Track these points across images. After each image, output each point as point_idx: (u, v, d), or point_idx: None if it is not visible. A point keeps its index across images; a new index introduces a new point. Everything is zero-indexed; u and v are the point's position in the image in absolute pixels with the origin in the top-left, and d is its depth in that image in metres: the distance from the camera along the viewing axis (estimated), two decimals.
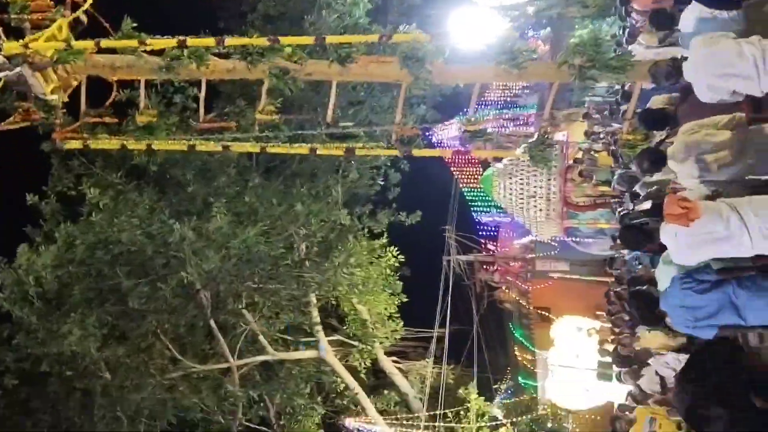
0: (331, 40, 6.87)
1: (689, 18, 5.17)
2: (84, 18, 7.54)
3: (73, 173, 13.74)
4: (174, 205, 14.07)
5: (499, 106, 23.93)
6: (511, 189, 15.70)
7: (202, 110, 7.98)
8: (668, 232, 4.21)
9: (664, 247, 4.41)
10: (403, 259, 18.40)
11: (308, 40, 6.98)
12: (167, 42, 7.07)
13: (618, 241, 10.58)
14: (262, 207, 13.73)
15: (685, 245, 4.12)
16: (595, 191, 14.75)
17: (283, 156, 15.00)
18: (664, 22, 6.56)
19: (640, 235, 5.02)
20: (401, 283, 19.03)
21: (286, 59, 6.95)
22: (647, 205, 6.29)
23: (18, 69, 7.28)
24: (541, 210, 15.42)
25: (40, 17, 7.20)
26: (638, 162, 5.18)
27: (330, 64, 6.86)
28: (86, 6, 7.39)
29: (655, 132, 6.08)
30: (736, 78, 4.19)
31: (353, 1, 15.74)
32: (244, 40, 6.87)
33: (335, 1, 15.71)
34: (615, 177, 8.66)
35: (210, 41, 6.97)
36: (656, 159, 5.04)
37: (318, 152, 7.35)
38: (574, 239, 16.28)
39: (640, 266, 8.35)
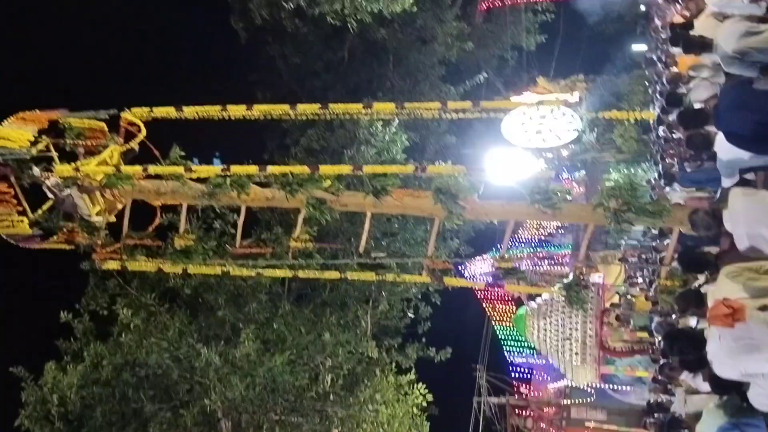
0: (368, 170, 7.06)
1: (724, 146, 5.19)
2: (136, 146, 7.96)
3: (108, 293, 13.88)
4: (204, 329, 14.02)
5: (533, 244, 23.96)
6: (545, 330, 15.39)
7: (239, 236, 8.15)
8: (713, 336, 4.01)
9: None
10: (431, 398, 17.78)
11: (346, 169, 7.19)
12: (212, 169, 7.36)
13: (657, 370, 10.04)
14: (291, 335, 13.60)
15: (727, 351, 3.90)
16: (632, 337, 14.36)
17: (314, 284, 15.04)
18: (700, 147, 6.57)
19: (685, 341, 4.74)
20: (428, 423, 18.26)
21: (324, 190, 7.14)
22: (692, 321, 6.06)
23: (68, 191, 7.63)
24: (576, 354, 14.99)
25: (94, 143, 7.61)
26: (678, 303, 5.03)
27: (365, 195, 7.00)
28: (140, 138, 7.81)
29: (694, 275, 5.96)
30: None
31: (391, 138, 16.36)
32: (285, 169, 7.11)
33: (374, 138, 16.34)
34: (653, 324, 8.44)
35: (253, 169, 7.23)
36: (696, 301, 4.88)
37: (349, 277, 7.34)
38: (611, 386, 15.65)
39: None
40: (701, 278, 5.64)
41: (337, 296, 15.98)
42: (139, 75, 22.71)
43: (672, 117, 8.83)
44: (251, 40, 21.32)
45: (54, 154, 7.71)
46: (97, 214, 7.74)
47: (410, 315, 17.03)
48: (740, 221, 4.33)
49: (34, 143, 7.45)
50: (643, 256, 12.04)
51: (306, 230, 7.73)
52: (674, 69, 8.50)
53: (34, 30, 21.94)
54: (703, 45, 5.75)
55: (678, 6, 7.97)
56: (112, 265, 8.04)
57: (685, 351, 4.53)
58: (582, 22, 28.64)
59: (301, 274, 7.80)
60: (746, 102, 4.86)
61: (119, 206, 7.97)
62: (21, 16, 21.93)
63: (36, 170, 7.67)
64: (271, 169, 7.23)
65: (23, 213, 7.73)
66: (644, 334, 13.49)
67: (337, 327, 14.33)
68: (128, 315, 13.03)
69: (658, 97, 9.69)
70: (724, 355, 3.95)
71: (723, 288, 4.22)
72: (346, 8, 16.57)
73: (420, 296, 17.11)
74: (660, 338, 8.02)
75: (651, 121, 15.13)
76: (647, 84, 17.43)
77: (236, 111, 7.65)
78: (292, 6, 17.73)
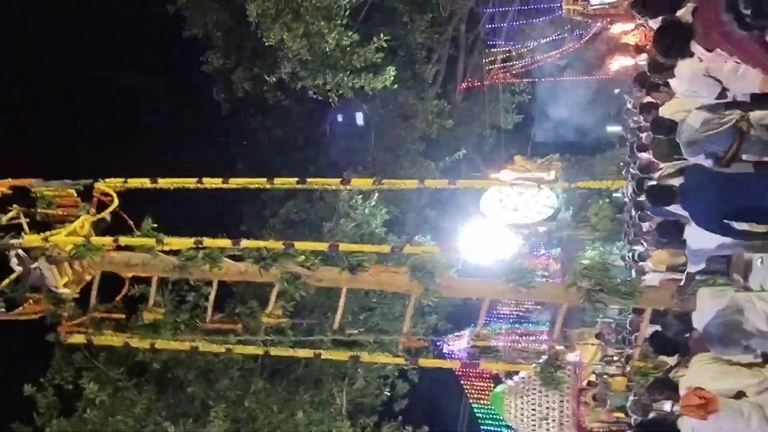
0: (344, 248, 7.01)
1: (694, 235, 5.24)
2: (108, 217, 7.85)
3: (73, 366, 13.46)
4: (172, 406, 13.59)
5: (511, 320, 23.84)
6: (522, 409, 15.13)
7: (210, 310, 7.97)
8: (685, 427, 3.92)
9: None
10: None
11: (322, 246, 7.14)
12: (184, 242, 7.25)
13: None
14: (263, 414, 13.22)
15: None
16: (609, 417, 14.12)
17: (288, 360, 14.72)
18: (671, 234, 6.66)
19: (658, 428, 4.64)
20: None
21: (299, 264, 7.06)
22: (667, 405, 5.95)
23: (36, 262, 7.46)
24: None
25: (64, 212, 7.50)
26: (650, 391, 4.97)
27: (341, 271, 6.93)
28: (112, 208, 7.72)
29: (665, 358, 5.91)
30: (748, 335, 4.13)
31: (371, 212, 16.41)
32: (260, 243, 7.04)
33: (353, 211, 16.39)
34: (629, 404, 8.31)
35: (226, 242, 7.14)
36: (669, 389, 4.82)
37: (322, 357, 7.18)
38: None
39: None
40: (672, 360, 5.60)
41: (311, 372, 15.63)
42: (116, 144, 22.80)
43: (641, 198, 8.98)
44: (233, 112, 21.61)
45: (24, 222, 7.59)
46: (65, 285, 7.55)
47: (387, 392, 16.68)
48: (711, 325, 4.33)
49: (2, 211, 7.34)
50: (619, 336, 12.00)
51: (281, 305, 7.61)
52: (645, 155, 8.70)
53: (11, 96, 22.08)
54: (670, 128, 5.91)
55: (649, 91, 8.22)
56: (78, 338, 7.80)
57: None
58: (558, 104, 29.57)
59: (273, 351, 7.62)
60: (707, 184, 4.96)
61: (87, 278, 7.80)
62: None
63: (7, 240, 7.53)
64: (245, 243, 7.15)
65: None
66: (621, 414, 13.28)
67: (311, 405, 13.97)
68: (94, 389, 12.62)
69: (631, 178, 9.88)
70: None
71: (695, 375, 4.17)
72: (328, 83, 16.90)
73: (397, 372, 16.81)
74: (634, 419, 7.89)
75: (624, 200, 15.39)
76: (621, 164, 17.82)
77: (212, 183, 7.63)
78: (274, 79, 18.06)
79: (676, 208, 5.76)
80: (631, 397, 7.80)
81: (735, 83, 4.74)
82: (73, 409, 13.14)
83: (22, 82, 22.39)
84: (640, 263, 10.27)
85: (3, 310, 7.72)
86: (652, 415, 5.16)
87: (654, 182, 7.06)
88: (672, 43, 4.65)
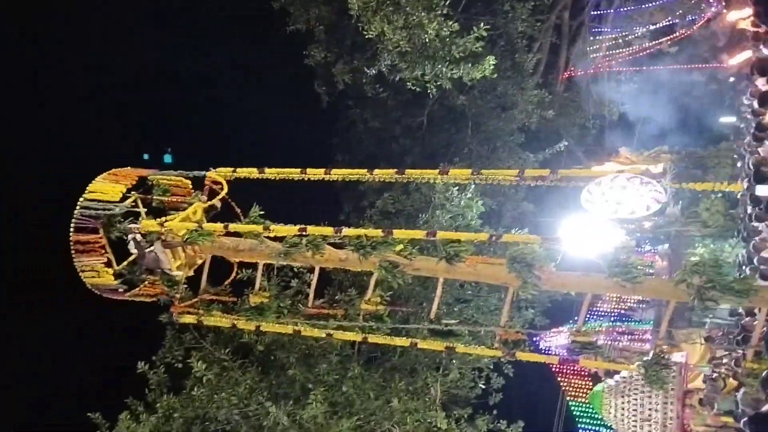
0: (442, 236, 7.06)
1: None
2: (218, 204, 8.26)
3: (183, 346, 14.17)
4: (274, 387, 14.05)
5: (612, 318, 23.08)
6: (623, 410, 14.67)
7: (312, 296, 8.27)
8: None
9: None
10: None
11: (420, 234, 7.22)
12: (289, 229, 7.54)
13: None
14: (359, 399, 13.44)
15: None
16: (716, 421, 13.46)
17: (384, 348, 14.91)
18: None
19: None
20: None
21: (397, 254, 7.16)
22: None
23: (152, 246, 7.96)
24: None
25: (179, 200, 7.95)
26: (764, 386, 4.69)
27: (438, 261, 6.98)
28: (222, 195, 8.12)
29: None
30: None
31: (467, 204, 16.31)
32: (360, 231, 7.21)
33: (450, 203, 16.33)
34: (739, 397, 7.90)
35: (328, 230, 7.36)
36: None
37: (418, 346, 7.26)
38: None
39: None
40: None
41: (407, 361, 15.75)
42: (225, 136, 23.74)
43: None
44: (333, 104, 22.00)
45: (142, 209, 8.11)
46: (178, 268, 8.02)
47: (481, 385, 16.55)
48: None
49: (123, 199, 7.86)
50: (730, 336, 11.40)
51: (378, 293, 7.76)
52: (763, 148, 8.21)
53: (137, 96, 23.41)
54: None
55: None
56: (189, 319, 8.27)
57: None
58: (667, 93, 28.24)
59: (371, 338, 7.79)
60: None
61: (199, 261, 8.24)
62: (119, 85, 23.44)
63: (126, 224, 8.07)
64: (346, 231, 7.34)
65: (109, 264, 8.10)
66: (729, 419, 12.62)
67: (406, 394, 14.07)
68: (202, 368, 13.22)
69: (748, 168, 9.32)
70: None
71: None
72: (426, 75, 16.89)
73: (492, 366, 16.66)
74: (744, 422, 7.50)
75: (738, 195, 14.56)
76: (735, 157, 16.85)
77: (315, 174, 7.86)
78: (374, 72, 18.24)
79: None
80: (742, 391, 7.43)
81: None
82: (182, 387, 13.84)
83: (139, 79, 23.79)
84: (755, 262, 9.71)
85: (122, 290, 8.30)
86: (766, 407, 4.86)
87: None
88: None
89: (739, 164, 11.68)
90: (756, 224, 9.35)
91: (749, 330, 7.41)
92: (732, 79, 26.10)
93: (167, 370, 13.95)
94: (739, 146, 13.85)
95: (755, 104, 7.46)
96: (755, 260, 9.33)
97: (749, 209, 9.68)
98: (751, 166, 7.66)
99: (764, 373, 5.44)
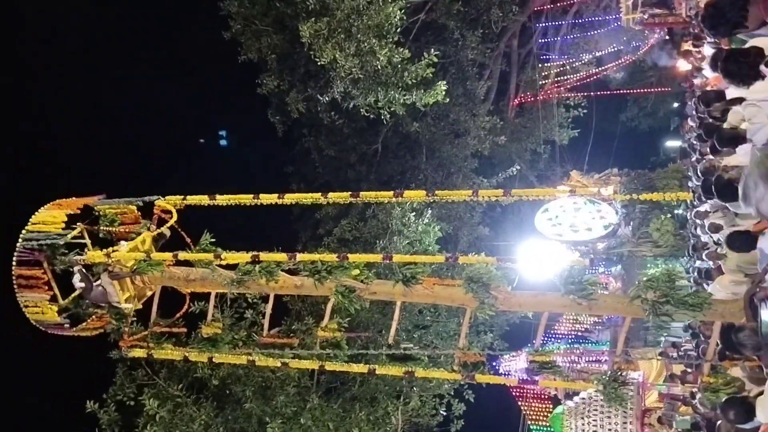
0: (399, 259, 6.98)
1: None
2: (167, 233, 8.03)
3: (135, 383, 13.71)
4: (230, 422, 13.69)
5: (569, 340, 23.25)
6: (583, 430, 14.66)
7: (267, 325, 8.04)
8: None
9: None
10: None
11: (376, 257, 7.13)
12: (242, 256, 7.35)
13: None
14: (318, 431, 13.18)
15: None
16: None
17: (344, 377, 14.70)
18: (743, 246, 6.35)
19: None
20: None
21: (353, 278, 7.04)
22: None
23: (99, 279, 7.66)
24: None
25: (126, 229, 7.70)
26: (723, 411, 4.69)
27: (395, 284, 6.89)
28: (171, 222, 7.89)
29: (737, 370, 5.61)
30: None
31: (424, 229, 16.34)
32: (315, 257, 7.07)
33: (407, 228, 16.34)
34: (697, 399, 7.93)
35: (282, 257, 7.20)
36: (744, 409, 4.54)
37: (377, 372, 7.11)
38: None
39: None
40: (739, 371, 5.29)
41: (367, 391, 15.54)
42: (174, 165, 23.43)
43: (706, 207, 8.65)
44: (288, 133, 21.90)
45: (87, 240, 7.82)
46: (126, 300, 7.74)
47: (443, 412, 16.44)
48: None
49: (68, 229, 7.57)
50: (685, 353, 11.56)
51: (336, 320, 7.60)
52: (708, 157, 8.38)
53: (72, 121, 22.99)
54: (735, 138, 5.67)
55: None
56: (138, 352, 7.96)
57: None
58: (615, 118, 28.97)
59: (328, 366, 7.60)
60: None
61: (148, 293, 7.97)
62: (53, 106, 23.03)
63: (71, 257, 7.76)
64: (300, 256, 7.20)
65: (54, 299, 7.77)
66: None
67: (366, 423, 13.86)
68: (154, 406, 12.79)
69: (695, 182, 9.50)
70: None
71: None
72: (380, 101, 16.98)
73: (453, 393, 16.58)
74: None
75: (688, 216, 14.88)
76: (682, 178, 17.28)
77: (268, 199, 7.71)
78: (327, 99, 18.25)
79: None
80: (698, 395, 7.38)
81: None
82: (134, 426, 13.34)
83: (80, 104, 23.36)
84: (706, 280, 9.88)
85: (67, 325, 7.96)
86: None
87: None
88: (739, 68, 4.45)
89: (690, 184, 11.95)
90: (702, 236, 9.50)
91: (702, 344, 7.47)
92: (676, 104, 26.98)
93: (118, 409, 13.45)
94: (686, 165, 14.20)
95: (701, 106, 7.55)
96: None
97: (696, 222, 9.86)
98: (700, 174, 7.77)
99: (722, 399, 5.42)
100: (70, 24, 23.62)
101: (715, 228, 8.69)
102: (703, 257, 9.92)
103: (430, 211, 17.30)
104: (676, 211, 18.93)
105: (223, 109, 24.74)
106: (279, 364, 7.66)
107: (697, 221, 9.81)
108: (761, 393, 4.68)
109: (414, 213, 16.76)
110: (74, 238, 7.86)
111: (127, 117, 23.95)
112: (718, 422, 6.41)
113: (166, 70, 24.15)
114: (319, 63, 16.53)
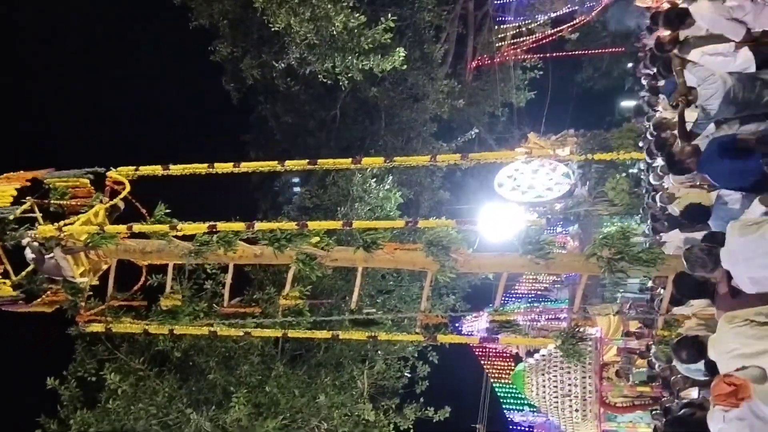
0: (358, 225, 6.98)
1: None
2: (121, 204, 7.86)
3: (96, 359, 13.53)
4: (194, 393, 13.62)
5: (529, 299, 23.70)
6: (544, 387, 15.06)
7: (227, 295, 7.98)
8: (716, 418, 3.77)
9: None
10: None
11: (336, 224, 7.11)
12: (198, 227, 7.24)
13: None
14: (284, 398, 13.20)
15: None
16: (632, 392, 14.02)
17: (308, 344, 14.73)
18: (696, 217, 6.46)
19: (687, 427, 4.48)
20: None
21: (313, 245, 7.02)
22: (693, 392, 5.81)
23: (51, 253, 7.48)
24: (577, 410, 14.63)
25: (78, 203, 7.51)
26: (676, 352, 4.81)
27: (356, 250, 6.88)
28: (124, 194, 7.72)
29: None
30: None
31: (385, 196, 16.32)
32: (273, 225, 7.02)
33: (368, 195, 16.29)
34: (652, 352, 8.18)
35: (239, 226, 7.12)
36: (695, 349, 4.64)
37: (341, 336, 7.15)
38: None
39: None
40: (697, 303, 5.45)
41: (332, 356, 15.61)
42: (127, 136, 22.90)
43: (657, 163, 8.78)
44: (243, 101, 21.53)
45: (38, 214, 7.62)
46: (81, 275, 7.59)
47: (407, 375, 16.64)
48: (739, 261, 4.15)
49: (17, 203, 7.36)
50: (640, 308, 11.88)
51: (299, 288, 7.59)
52: (660, 114, 8.50)
53: (22, 91, 22.27)
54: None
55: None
56: (96, 327, 7.85)
57: None
58: (570, 79, 29.19)
59: (291, 333, 7.61)
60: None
61: (104, 266, 7.82)
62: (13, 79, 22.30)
63: (22, 232, 7.56)
64: (259, 225, 7.13)
65: (6, 275, 7.58)
66: (645, 389, 13.19)
67: (332, 388, 13.93)
68: (116, 380, 12.64)
69: (648, 138, 9.63)
70: None
71: (726, 341, 4.02)
72: (337, 67, 16.76)
73: (417, 355, 16.76)
74: (657, 388, 7.77)
75: (642, 174, 15.15)
76: (637, 137, 17.55)
77: (224, 167, 7.59)
78: (283, 65, 17.94)
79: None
80: (653, 348, 7.62)
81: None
82: (96, 401, 13.20)
83: (33, 73, 22.59)
84: (660, 234, 10.09)
85: (22, 301, 7.79)
86: (681, 411, 4.98)
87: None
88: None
89: (641, 143, 12.13)
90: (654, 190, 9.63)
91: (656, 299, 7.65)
92: (630, 64, 27.23)
93: (79, 385, 13.28)
94: (639, 123, 14.41)
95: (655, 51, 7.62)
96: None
97: (650, 180, 10.02)
98: (653, 130, 7.87)
99: (674, 340, 5.59)
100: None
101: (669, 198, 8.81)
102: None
103: (390, 177, 17.26)
104: (630, 170, 19.26)
105: (177, 77, 24.11)
106: (241, 334, 7.63)
107: (653, 182, 9.94)
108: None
109: (374, 179, 16.70)
110: (25, 212, 7.65)
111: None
112: (673, 377, 6.64)
113: (116, 34, 23.45)
114: (273, 29, 16.20)
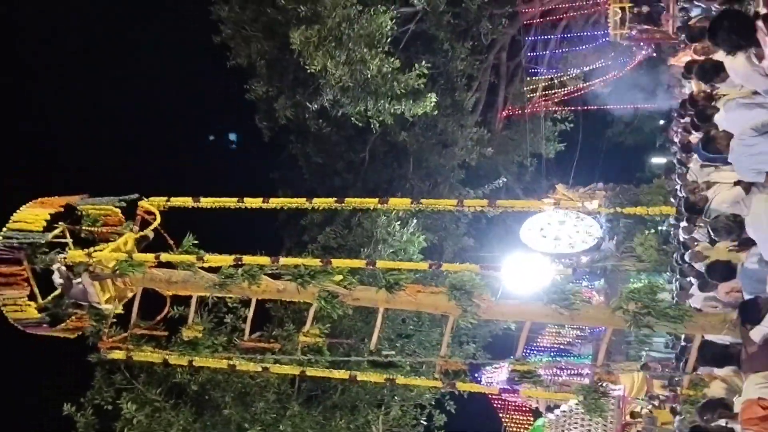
0: (382, 265, 6.97)
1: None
2: (150, 235, 7.96)
3: (114, 387, 13.58)
4: (208, 427, 13.57)
5: (551, 353, 23.29)
6: None
7: (248, 329, 7.98)
8: None
9: None
10: None
11: (359, 263, 7.11)
12: (224, 259, 7.30)
13: None
14: None
15: None
16: None
17: (325, 385, 14.61)
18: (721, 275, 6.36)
19: None
20: None
21: (336, 284, 7.02)
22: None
23: (79, 278, 7.58)
24: None
25: (109, 230, 7.63)
26: (701, 414, 4.70)
27: (378, 290, 6.87)
28: (154, 225, 7.84)
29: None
30: None
31: (408, 239, 16.33)
32: (298, 261, 7.05)
33: (392, 237, 16.32)
34: (675, 424, 7.94)
35: (265, 260, 7.16)
36: (722, 409, 4.52)
37: (358, 378, 7.08)
38: None
39: None
40: (722, 372, 5.33)
41: (348, 399, 15.46)
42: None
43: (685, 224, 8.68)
44: (274, 139, 21.85)
45: (69, 240, 7.74)
46: (107, 301, 7.66)
47: (423, 422, 16.37)
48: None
49: (49, 228, 7.49)
50: (666, 369, 11.61)
51: (318, 327, 7.57)
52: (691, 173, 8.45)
53: (57, 119, 22.71)
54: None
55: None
56: (117, 354, 7.89)
57: None
58: (601, 133, 29.18)
59: (309, 371, 7.56)
60: None
61: (129, 294, 7.89)
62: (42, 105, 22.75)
63: (52, 256, 7.68)
64: (284, 260, 7.17)
65: (33, 297, 7.68)
66: None
67: (346, 431, 13.80)
68: (132, 410, 12.68)
69: (678, 194, 9.53)
70: None
71: (754, 394, 3.93)
72: (369, 110, 17.00)
73: (434, 403, 16.52)
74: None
75: (671, 231, 14.96)
76: (666, 193, 17.41)
77: (253, 202, 7.69)
78: (316, 107, 18.24)
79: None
80: (677, 419, 7.44)
81: None
82: (111, 430, 13.21)
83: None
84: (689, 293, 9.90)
85: (46, 324, 7.87)
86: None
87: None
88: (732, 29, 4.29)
89: (672, 200, 12.02)
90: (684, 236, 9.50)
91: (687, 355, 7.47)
92: (662, 122, 27.21)
93: (96, 412, 13.31)
94: (670, 181, 14.31)
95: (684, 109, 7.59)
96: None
97: (680, 236, 9.89)
98: (683, 191, 7.81)
99: (701, 402, 5.45)
100: (70, 24, 23.41)
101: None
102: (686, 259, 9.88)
103: (415, 221, 17.30)
104: (659, 227, 19.06)
105: (211, 113, 24.59)
106: (260, 369, 7.60)
107: (683, 237, 9.81)
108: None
109: (399, 222, 16.75)
110: (56, 237, 7.79)
111: (127, 117, 23.80)
112: None
113: (164, 70, 23.99)
114: (308, 70, 16.54)
